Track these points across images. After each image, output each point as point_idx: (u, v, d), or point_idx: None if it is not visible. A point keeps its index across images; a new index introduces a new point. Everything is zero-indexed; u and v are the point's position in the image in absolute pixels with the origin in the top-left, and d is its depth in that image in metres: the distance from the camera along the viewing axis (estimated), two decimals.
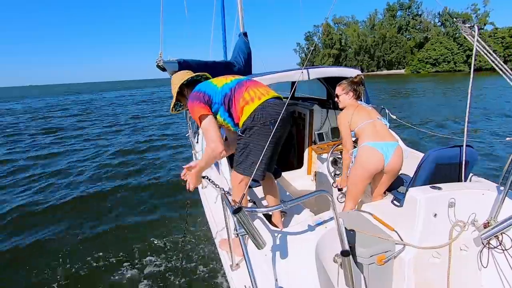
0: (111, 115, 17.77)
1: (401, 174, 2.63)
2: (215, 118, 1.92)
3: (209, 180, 1.99)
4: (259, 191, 2.57)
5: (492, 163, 5.86)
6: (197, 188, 3.51)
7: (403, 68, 68.71)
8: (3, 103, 35.42)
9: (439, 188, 1.69)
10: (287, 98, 2.17)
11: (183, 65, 2.88)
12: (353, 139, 2.40)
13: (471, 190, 1.74)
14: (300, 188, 3.71)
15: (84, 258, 3.55)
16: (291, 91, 3.72)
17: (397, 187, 2.37)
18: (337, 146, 3.02)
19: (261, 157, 1.76)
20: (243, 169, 1.89)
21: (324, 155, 3.19)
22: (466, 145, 1.91)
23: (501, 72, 1.63)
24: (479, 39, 1.66)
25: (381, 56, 70.45)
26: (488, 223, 1.58)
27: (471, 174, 2.15)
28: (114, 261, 3.50)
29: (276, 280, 1.37)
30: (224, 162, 2.88)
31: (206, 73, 2.14)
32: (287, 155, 4.14)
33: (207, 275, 3.12)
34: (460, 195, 1.68)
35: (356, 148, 2.35)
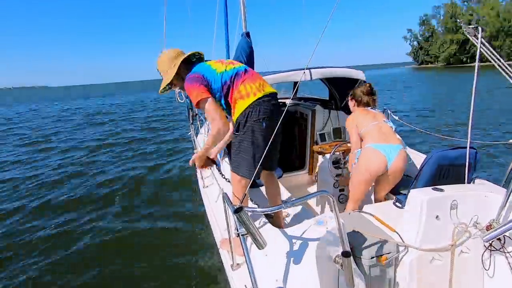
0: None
1: (403, 175, 2.63)
2: None
3: (217, 166, 1.99)
4: (261, 191, 2.57)
5: (495, 165, 5.83)
6: (198, 187, 3.52)
7: None
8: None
9: (442, 190, 1.68)
10: (289, 98, 2.17)
11: None
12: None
13: (474, 192, 1.73)
14: (301, 189, 3.70)
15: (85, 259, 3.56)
16: (293, 91, 3.71)
17: (399, 188, 2.37)
18: (339, 146, 3.02)
19: (252, 155, 1.78)
20: (237, 168, 1.89)
21: (326, 156, 3.19)
22: (469, 147, 1.89)
23: (504, 73, 1.62)
24: (483, 40, 1.64)
25: None
26: (491, 225, 1.57)
27: (474, 176, 2.14)
28: (114, 261, 3.51)
29: (277, 280, 1.37)
30: (225, 162, 2.89)
31: (199, 51, 2.07)
32: (288, 156, 4.13)
33: (207, 274, 3.12)
34: (462, 197, 1.67)
35: (359, 150, 2.35)
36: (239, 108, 1.82)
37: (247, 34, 4.03)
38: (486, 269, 1.59)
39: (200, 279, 3.07)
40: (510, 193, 1.55)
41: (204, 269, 3.19)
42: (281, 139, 2.09)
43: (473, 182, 2.12)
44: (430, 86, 25.81)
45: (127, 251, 3.68)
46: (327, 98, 4.05)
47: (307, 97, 4.45)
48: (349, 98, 2.61)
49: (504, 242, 1.55)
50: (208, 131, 3.06)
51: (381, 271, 1.70)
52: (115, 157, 8.18)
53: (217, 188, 2.80)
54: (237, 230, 1.29)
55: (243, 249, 1.32)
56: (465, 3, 61.54)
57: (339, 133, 3.53)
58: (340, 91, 3.59)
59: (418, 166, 2.08)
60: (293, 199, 2.40)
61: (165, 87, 2.06)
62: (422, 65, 74.80)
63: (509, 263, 1.57)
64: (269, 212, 1.95)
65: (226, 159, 2.93)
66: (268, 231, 1.71)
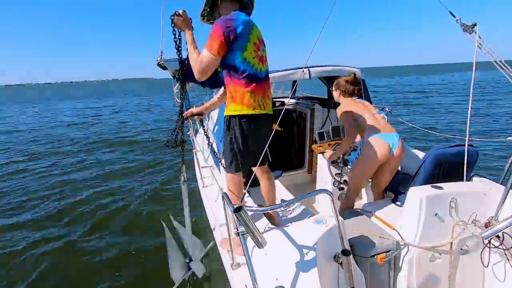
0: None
1: (402, 173, 2.63)
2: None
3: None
4: (260, 190, 2.57)
5: (494, 163, 5.84)
6: (198, 188, 3.52)
7: None
8: None
9: (440, 188, 1.68)
10: (288, 97, 2.17)
11: (185, 63, 2.88)
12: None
13: (473, 190, 1.74)
14: (300, 188, 3.71)
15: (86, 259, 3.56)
16: (291, 90, 3.71)
17: (398, 186, 2.37)
18: (338, 145, 3.02)
19: (234, 151, 1.81)
20: (226, 165, 1.93)
21: (325, 154, 3.19)
22: (468, 145, 1.90)
23: (501, 71, 1.62)
24: (479, 38, 1.64)
25: None
26: (489, 222, 1.57)
27: (472, 174, 2.15)
28: (114, 260, 3.51)
29: (277, 279, 1.37)
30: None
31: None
32: (288, 155, 4.14)
33: (207, 274, 3.11)
34: (461, 195, 1.67)
35: (361, 140, 2.36)
36: (235, 108, 1.78)
37: None
38: (485, 266, 1.60)
39: (200, 279, 3.07)
40: (509, 190, 1.56)
41: (204, 269, 3.19)
42: (272, 136, 2.03)
43: (472, 180, 2.13)
44: None
45: (123, 250, 3.68)
46: (326, 97, 4.06)
47: (306, 96, 4.46)
48: (334, 88, 2.62)
49: (503, 239, 1.56)
50: (206, 130, 3.05)
51: (381, 269, 1.70)
52: (117, 154, 8.20)
53: (216, 188, 2.80)
54: (237, 230, 1.29)
55: (243, 248, 1.32)
56: None
57: (338, 131, 3.54)
58: None
59: (417, 164, 2.09)
60: (293, 198, 2.41)
61: (206, 14, 1.93)
62: None
63: (508, 260, 1.58)
64: (268, 211, 1.95)
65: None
66: (268, 230, 1.71)
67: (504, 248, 1.56)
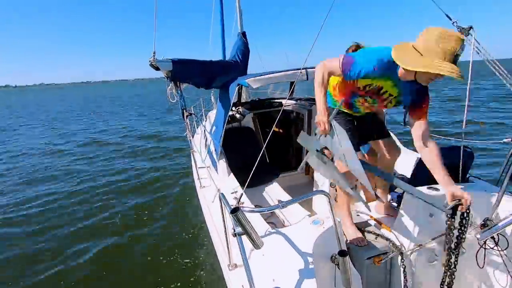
0: None
1: (398, 174, 2.64)
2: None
3: None
4: (259, 191, 2.57)
5: (490, 164, 5.88)
6: (195, 187, 3.51)
7: None
8: None
9: (436, 189, 1.69)
10: (285, 98, 2.17)
11: (177, 63, 2.88)
12: None
13: (468, 191, 1.75)
14: (298, 188, 3.71)
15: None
16: (289, 91, 3.72)
17: (394, 188, 2.38)
18: None
19: None
20: None
21: None
22: (464, 146, 1.91)
23: (497, 74, 1.63)
24: (475, 41, 1.65)
25: None
26: (485, 223, 1.58)
27: (468, 175, 2.16)
28: (114, 260, 3.50)
29: (274, 280, 1.37)
30: (222, 162, 2.89)
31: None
32: (285, 156, 4.14)
33: (204, 274, 3.11)
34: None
35: None
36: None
37: (243, 34, 4.05)
38: (480, 267, 1.61)
39: (197, 280, 3.06)
40: (504, 192, 1.57)
41: (201, 270, 3.19)
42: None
43: (468, 181, 2.14)
44: None
45: (123, 251, 3.66)
46: None
47: (304, 97, 4.46)
48: None
49: (498, 240, 1.57)
50: (204, 131, 3.05)
51: (378, 271, 1.71)
52: (115, 154, 8.17)
53: (213, 188, 2.80)
54: (234, 230, 1.29)
55: (240, 249, 1.32)
56: None
57: None
58: None
59: (413, 166, 2.09)
60: (290, 199, 2.41)
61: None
62: None
63: (503, 261, 1.59)
64: (266, 212, 1.95)
65: (224, 159, 2.93)
66: (265, 231, 1.71)
67: (500, 249, 1.57)
